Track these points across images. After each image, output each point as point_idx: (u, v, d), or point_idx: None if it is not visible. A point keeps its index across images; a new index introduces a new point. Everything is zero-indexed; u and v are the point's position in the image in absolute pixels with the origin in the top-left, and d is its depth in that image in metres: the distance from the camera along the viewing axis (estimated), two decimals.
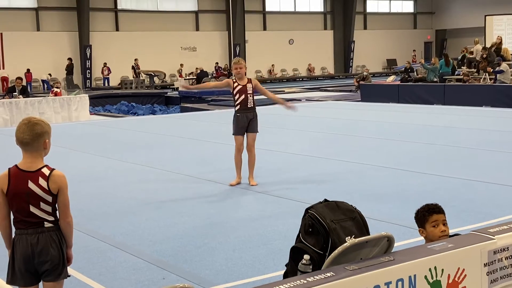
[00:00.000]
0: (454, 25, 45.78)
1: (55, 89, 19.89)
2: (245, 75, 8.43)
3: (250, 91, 8.25)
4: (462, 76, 21.25)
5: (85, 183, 8.86)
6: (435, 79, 22.24)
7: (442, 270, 2.75)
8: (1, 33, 32.16)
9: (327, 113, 18.61)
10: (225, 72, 35.13)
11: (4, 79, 31.51)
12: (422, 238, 3.66)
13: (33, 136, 3.48)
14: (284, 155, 10.90)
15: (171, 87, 33.72)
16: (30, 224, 3.49)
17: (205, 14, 38.90)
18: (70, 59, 33.84)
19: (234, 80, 8.34)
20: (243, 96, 8.23)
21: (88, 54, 34.32)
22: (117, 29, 36.23)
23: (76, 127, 16.81)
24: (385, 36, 45.75)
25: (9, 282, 3.57)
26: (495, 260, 2.92)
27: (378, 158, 10.21)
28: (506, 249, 2.95)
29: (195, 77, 34.28)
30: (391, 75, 29.94)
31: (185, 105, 24.16)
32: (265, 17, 41.44)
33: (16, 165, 3.53)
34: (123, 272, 5.21)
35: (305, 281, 2.48)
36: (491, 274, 2.92)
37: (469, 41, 31.55)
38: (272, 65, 40.92)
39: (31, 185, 3.46)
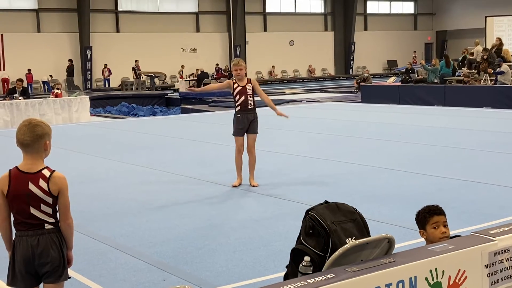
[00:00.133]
0: (454, 26, 45.80)
1: (56, 91, 19.92)
2: (246, 76, 8.43)
3: (250, 92, 8.25)
4: (462, 77, 21.25)
5: (86, 184, 8.87)
6: (436, 80, 22.24)
7: (443, 271, 2.75)
8: (2, 35, 32.20)
9: (328, 114, 18.62)
10: (225, 73, 35.14)
11: (5, 81, 31.55)
12: (423, 239, 3.66)
13: (34, 138, 3.48)
14: (285, 156, 10.90)
15: (171, 88, 33.74)
16: (30, 225, 3.48)
17: (205, 16, 38.93)
18: (70, 60, 33.87)
19: (234, 81, 8.34)
20: (243, 97, 8.23)
21: (88, 56, 34.34)
22: (117, 31, 36.26)
23: (77, 128, 16.81)
24: (385, 37, 45.78)
25: (9, 284, 3.56)
26: (496, 262, 2.91)
27: (378, 159, 10.21)
28: (507, 251, 2.95)
29: (195, 79, 34.29)
30: (391, 76, 29.96)
31: (186, 106, 24.17)
32: (265, 18, 41.47)
33: (16, 167, 3.53)
34: (124, 273, 5.21)
35: (306, 283, 2.48)
36: (492, 275, 2.91)
37: (469, 42, 31.57)
38: (273, 66, 40.94)
39: (31, 186, 3.46)
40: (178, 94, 29.03)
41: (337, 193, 7.71)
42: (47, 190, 3.46)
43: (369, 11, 45.90)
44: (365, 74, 28.47)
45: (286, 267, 3.37)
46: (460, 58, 24.68)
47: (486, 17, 32.81)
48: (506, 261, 2.94)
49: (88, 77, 34.64)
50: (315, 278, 2.52)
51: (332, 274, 2.55)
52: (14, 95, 18.84)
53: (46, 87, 32.93)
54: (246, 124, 8.31)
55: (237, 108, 8.31)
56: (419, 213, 3.66)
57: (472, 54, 23.31)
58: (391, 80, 26.36)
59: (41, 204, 3.47)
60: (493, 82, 20.28)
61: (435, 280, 2.73)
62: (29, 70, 32.58)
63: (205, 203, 7.61)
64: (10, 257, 3.57)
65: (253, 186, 8.32)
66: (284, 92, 29.66)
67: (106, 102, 26.47)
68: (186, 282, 4.93)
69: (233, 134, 8.44)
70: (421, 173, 8.93)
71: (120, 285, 4.97)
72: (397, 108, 19.60)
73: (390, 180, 8.63)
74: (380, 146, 11.74)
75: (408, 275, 2.65)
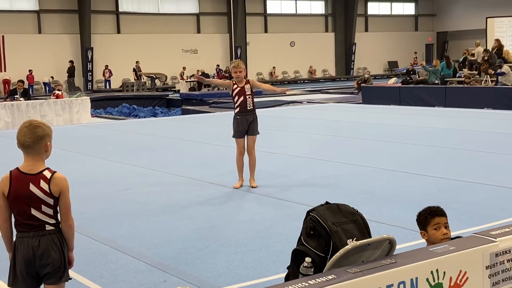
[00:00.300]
0: (455, 27, 45.77)
1: (57, 92, 19.92)
2: (245, 77, 8.45)
3: (248, 93, 8.26)
4: (463, 78, 21.24)
5: (86, 185, 8.87)
6: (437, 81, 22.22)
7: (444, 272, 2.75)
8: (3, 36, 32.21)
9: (328, 115, 18.62)
10: (226, 75, 35.15)
11: (6, 82, 31.55)
12: (424, 240, 3.65)
13: (35, 139, 3.48)
14: (285, 158, 10.90)
15: (172, 89, 33.72)
16: (31, 227, 3.48)
17: (206, 17, 38.93)
18: (71, 61, 33.87)
19: (234, 82, 8.37)
20: (242, 98, 8.25)
21: (89, 57, 34.34)
22: (118, 32, 36.27)
23: (78, 129, 16.82)
24: (386, 38, 45.76)
25: (10, 285, 3.56)
26: (497, 263, 2.91)
27: (379, 160, 10.20)
28: (508, 252, 2.95)
29: (196, 80, 34.29)
30: (392, 77, 29.95)
31: (187, 107, 24.19)
32: (266, 20, 41.47)
33: (17, 168, 3.53)
34: (125, 274, 5.21)
35: (307, 284, 2.48)
36: (493, 276, 2.91)
37: (470, 43, 31.55)
38: (273, 67, 40.94)
39: (32, 187, 3.46)
40: (179, 95, 29.05)
41: (337, 194, 7.71)
42: (48, 191, 3.46)
43: (369, 12, 45.89)
44: (366, 75, 28.45)
45: (287, 268, 3.37)
46: (461, 59, 24.66)
47: (486, 18, 32.78)
48: (507, 262, 2.94)
49: (89, 78, 34.64)
50: (316, 279, 2.52)
51: (333, 275, 2.55)
52: (15, 96, 18.85)
53: (47, 88, 32.92)
54: (245, 126, 8.32)
55: (237, 110, 8.33)
56: (420, 214, 3.65)
57: (473, 55, 23.30)
58: (392, 81, 26.35)
59: (42, 205, 3.47)
60: (494, 83, 20.26)
61: (436, 281, 2.73)
62: (30, 71, 32.58)
63: (206, 204, 7.62)
64: (11, 258, 3.57)
65: (253, 187, 8.33)
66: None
67: (107, 103, 26.49)
68: (187, 283, 4.93)
69: (233, 136, 8.46)
70: (422, 174, 8.93)
71: (121, 286, 4.97)
72: (397, 109, 19.60)
73: (390, 181, 8.63)
74: (380, 147, 11.74)
75: (409, 276, 2.65)
